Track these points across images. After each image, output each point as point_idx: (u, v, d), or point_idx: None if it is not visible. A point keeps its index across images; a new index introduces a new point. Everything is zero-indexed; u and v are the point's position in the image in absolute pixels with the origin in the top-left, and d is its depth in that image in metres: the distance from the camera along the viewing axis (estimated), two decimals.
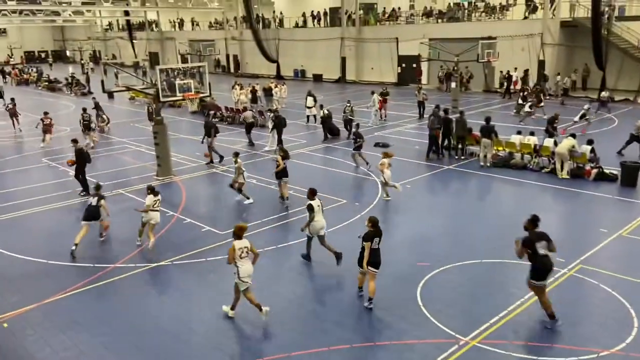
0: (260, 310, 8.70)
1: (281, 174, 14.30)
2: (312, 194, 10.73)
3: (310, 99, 26.13)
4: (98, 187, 12.31)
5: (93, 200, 11.93)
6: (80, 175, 15.58)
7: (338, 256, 10.60)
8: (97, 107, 25.77)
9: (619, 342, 7.99)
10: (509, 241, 11.66)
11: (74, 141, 15.92)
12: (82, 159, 15.45)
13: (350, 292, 9.67)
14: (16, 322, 8.98)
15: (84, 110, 22.43)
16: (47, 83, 46.77)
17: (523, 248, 8.29)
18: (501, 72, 34.44)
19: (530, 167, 17.42)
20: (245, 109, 24.65)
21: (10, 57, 74.75)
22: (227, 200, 15.27)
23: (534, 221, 8.49)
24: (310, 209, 10.52)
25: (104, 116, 25.88)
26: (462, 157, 18.99)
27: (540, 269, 8.26)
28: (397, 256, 10.97)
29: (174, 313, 9.22)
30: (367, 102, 31.14)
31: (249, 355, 7.87)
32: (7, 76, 53.60)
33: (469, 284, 9.94)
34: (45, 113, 22.92)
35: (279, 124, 20.71)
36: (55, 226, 13.64)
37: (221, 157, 18.82)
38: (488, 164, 17.71)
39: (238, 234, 8.71)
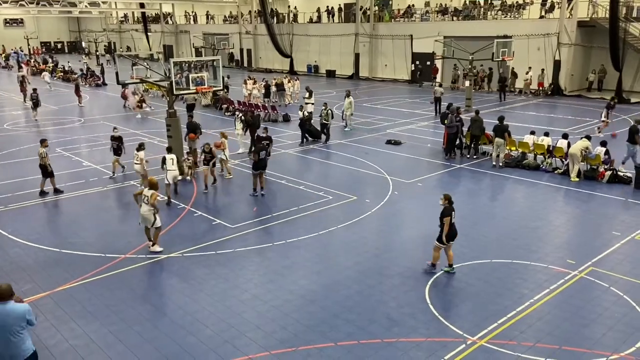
0: (148, 240, 11.26)
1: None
2: (168, 150, 14.74)
3: (307, 94, 25.23)
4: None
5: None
6: None
7: (169, 201, 14.06)
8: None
9: (629, 346, 7.93)
10: (520, 242, 11.74)
11: None
12: None
13: (359, 289, 9.69)
14: None
15: (34, 90, 26.87)
16: (62, 74, 47.17)
17: None
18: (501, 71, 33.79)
19: (543, 167, 17.28)
20: (245, 104, 24.29)
21: (28, 47, 75.33)
22: (238, 194, 15.33)
23: None
24: (164, 161, 14.31)
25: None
26: (475, 157, 18.89)
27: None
28: (406, 254, 11.00)
29: (183, 305, 9.28)
30: (374, 100, 31.19)
31: (257, 348, 7.91)
32: (22, 66, 54.16)
33: (478, 283, 9.91)
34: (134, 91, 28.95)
35: (253, 124, 19.38)
36: (69, 215, 13.78)
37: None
38: (500, 164, 17.60)
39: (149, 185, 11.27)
